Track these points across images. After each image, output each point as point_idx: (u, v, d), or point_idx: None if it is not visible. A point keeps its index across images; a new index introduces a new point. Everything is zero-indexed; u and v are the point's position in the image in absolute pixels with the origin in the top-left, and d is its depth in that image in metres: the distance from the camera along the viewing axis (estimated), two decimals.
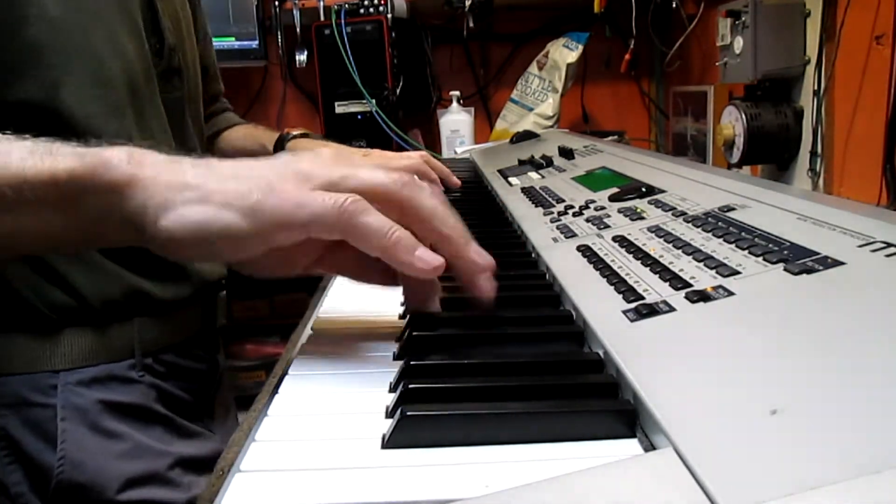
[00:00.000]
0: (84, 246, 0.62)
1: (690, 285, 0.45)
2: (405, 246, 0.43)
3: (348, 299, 0.64)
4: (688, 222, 0.57)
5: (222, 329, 0.95)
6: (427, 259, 0.43)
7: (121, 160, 0.44)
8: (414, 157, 1.06)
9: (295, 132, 1.13)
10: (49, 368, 0.74)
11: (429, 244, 0.46)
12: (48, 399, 0.74)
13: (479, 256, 0.47)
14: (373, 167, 0.46)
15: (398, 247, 0.43)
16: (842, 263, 0.41)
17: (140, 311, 0.79)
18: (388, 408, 0.40)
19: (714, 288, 0.43)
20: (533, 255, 0.70)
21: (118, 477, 0.74)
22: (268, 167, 0.45)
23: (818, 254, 0.43)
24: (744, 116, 1.31)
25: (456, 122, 2.00)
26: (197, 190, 0.43)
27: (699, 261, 0.48)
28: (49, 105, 0.71)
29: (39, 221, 0.45)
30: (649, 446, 0.35)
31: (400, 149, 1.79)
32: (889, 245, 0.41)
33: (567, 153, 1.05)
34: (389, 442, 0.36)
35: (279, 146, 1.10)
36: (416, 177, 0.47)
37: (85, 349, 0.76)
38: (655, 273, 0.49)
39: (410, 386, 0.40)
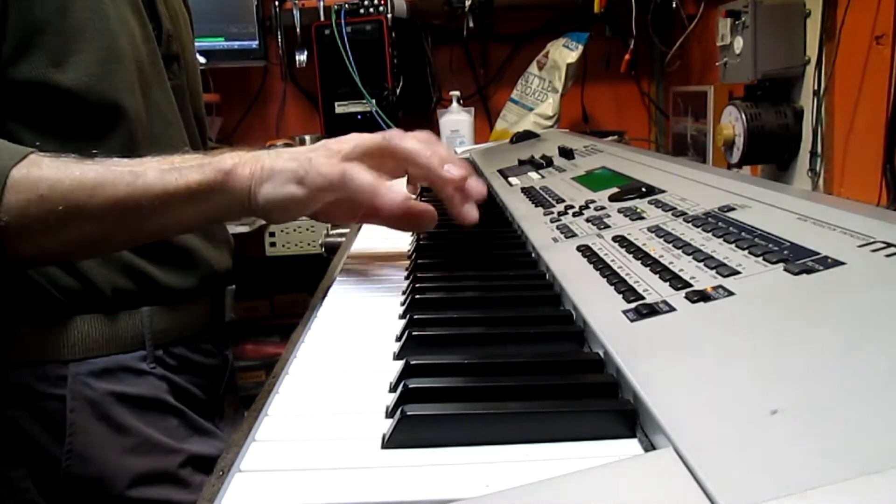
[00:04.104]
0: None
1: (690, 285, 0.45)
2: (386, 191, 0.62)
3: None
4: (688, 222, 0.57)
5: (231, 325, 0.94)
6: (395, 190, 0.63)
7: (234, 163, 0.63)
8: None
9: None
10: (58, 358, 0.73)
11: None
12: (57, 390, 0.73)
13: (451, 172, 0.66)
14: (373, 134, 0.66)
15: (380, 193, 0.62)
16: (842, 263, 0.41)
17: (148, 300, 0.78)
18: (388, 408, 0.40)
19: (714, 288, 0.43)
20: (533, 255, 0.70)
21: (127, 472, 0.73)
22: (310, 149, 0.65)
23: (818, 254, 0.43)
24: (744, 116, 1.31)
25: (456, 122, 2.00)
26: (276, 171, 0.63)
27: (699, 261, 0.48)
28: (58, 83, 0.71)
29: (179, 217, 0.64)
30: (649, 446, 0.35)
31: None
32: (889, 245, 0.41)
33: (567, 153, 1.05)
34: (389, 442, 0.36)
35: None
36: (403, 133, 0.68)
37: (94, 339, 0.75)
38: (655, 273, 0.49)
39: (410, 386, 0.40)
